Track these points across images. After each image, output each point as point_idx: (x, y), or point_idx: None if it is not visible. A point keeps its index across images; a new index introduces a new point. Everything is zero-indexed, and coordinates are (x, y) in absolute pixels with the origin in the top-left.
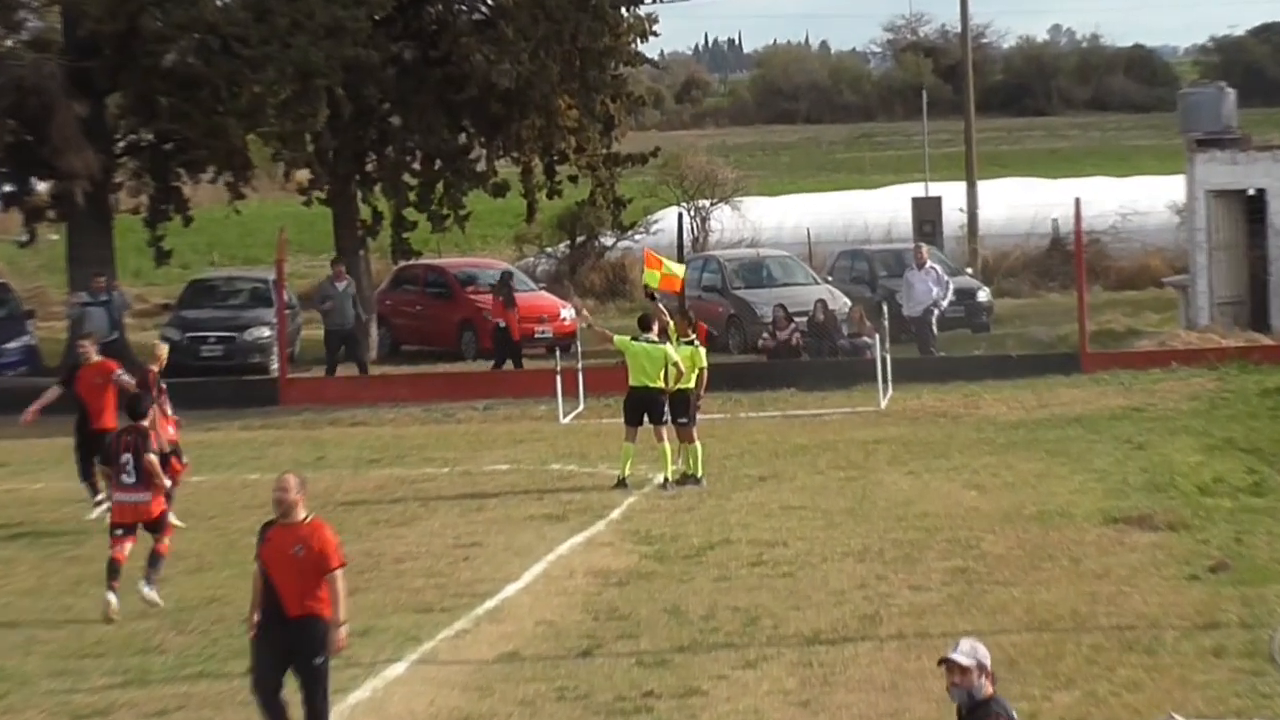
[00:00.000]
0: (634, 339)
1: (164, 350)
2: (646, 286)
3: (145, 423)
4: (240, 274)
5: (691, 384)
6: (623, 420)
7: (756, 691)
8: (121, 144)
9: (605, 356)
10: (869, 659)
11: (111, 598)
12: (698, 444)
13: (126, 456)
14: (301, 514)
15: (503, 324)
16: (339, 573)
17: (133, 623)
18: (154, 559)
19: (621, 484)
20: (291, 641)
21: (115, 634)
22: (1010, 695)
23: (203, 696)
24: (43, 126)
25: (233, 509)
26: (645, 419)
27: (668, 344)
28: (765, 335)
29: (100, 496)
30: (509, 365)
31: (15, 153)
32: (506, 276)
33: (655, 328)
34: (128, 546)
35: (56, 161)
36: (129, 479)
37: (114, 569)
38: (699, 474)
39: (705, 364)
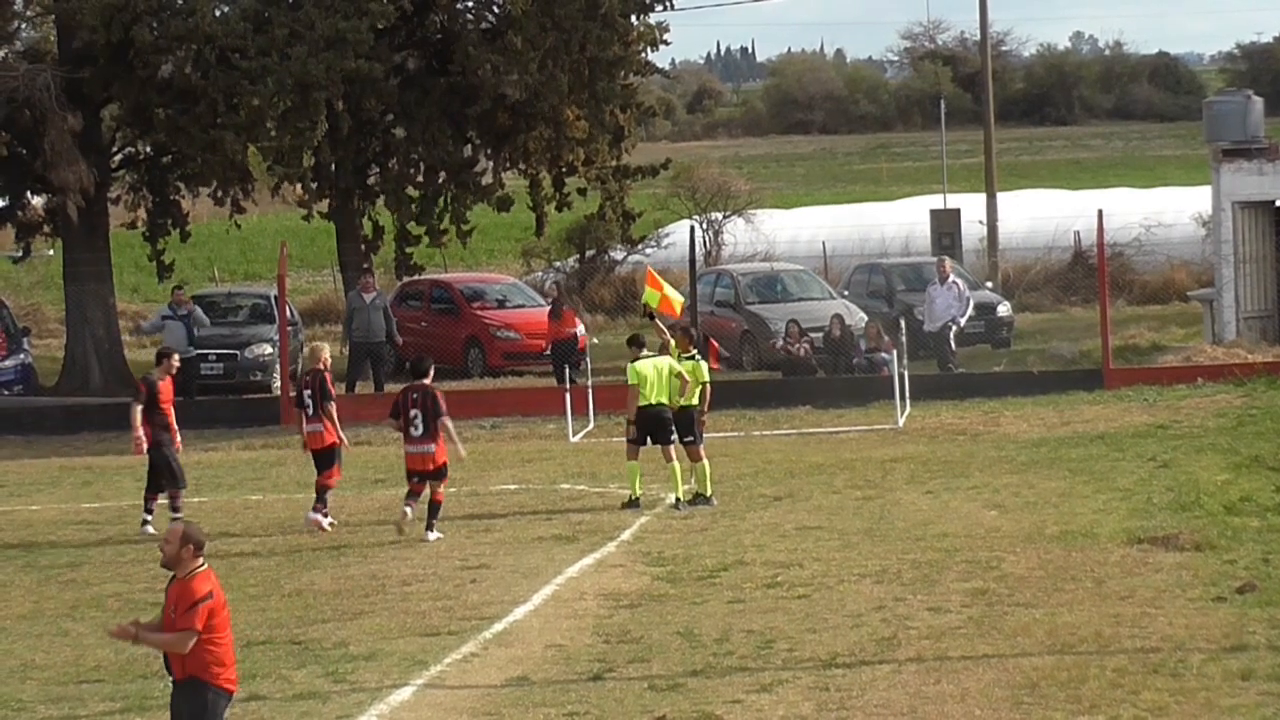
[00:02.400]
0: (635, 360)
1: (325, 351)
2: (645, 305)
3: (428, 381)
4: (241, 290)
5: (695, 400)
6: (629, 441)
7: (772, 716)
8: (118, 157)
9: (616, 374)
10: (887, 683)
11: (408, 510)
12: (705, 462)
13: (415, 412)
14: (186, 568)
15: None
16: (185, 633)
17: (131, 648)
18: (433, 507)
19: (633, 504)
20: (178, 705)
21: (114, 659)
22: None
23: None
24: (36, 139)
25: (234, 531)
26: (649, 440)
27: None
28: (781, 343)
29: (150, 519)
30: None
31: (8, 166)
32: (555, 288)
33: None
34: (424, 490)
35: (50, 175)
36: (416, 431)
37: (413, 495)
38: (709, 493)
39: (707, 379)
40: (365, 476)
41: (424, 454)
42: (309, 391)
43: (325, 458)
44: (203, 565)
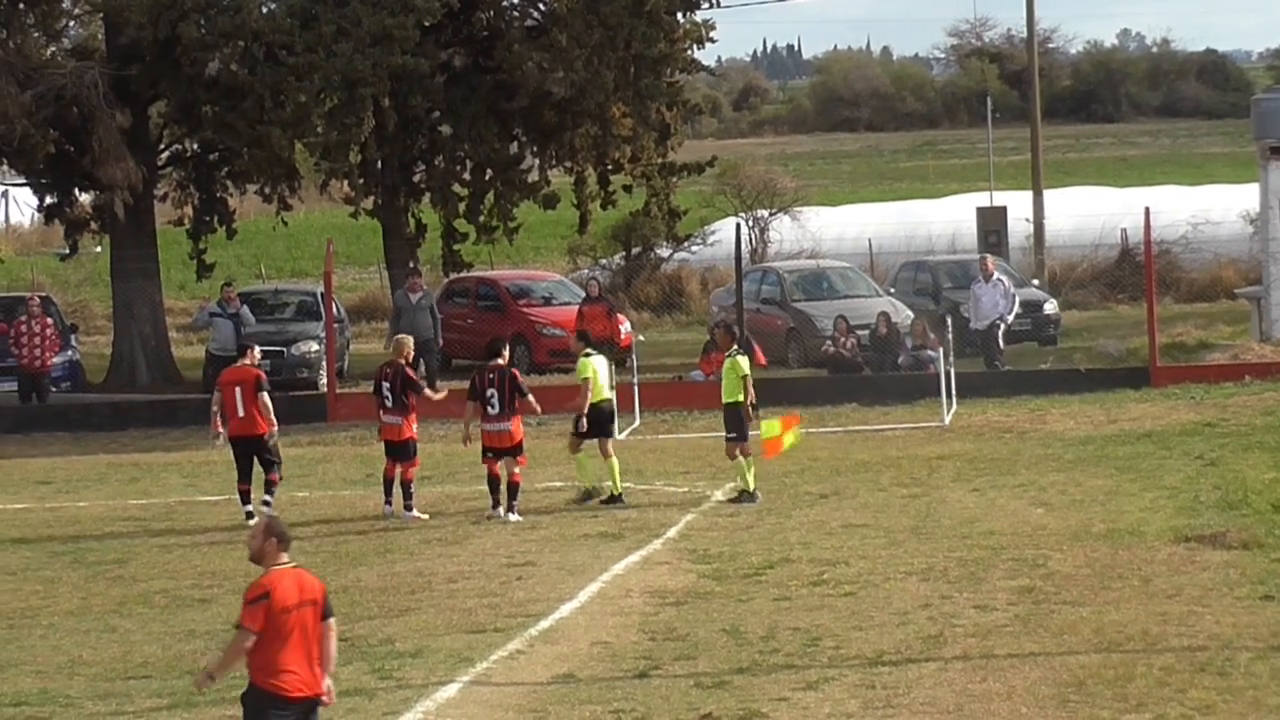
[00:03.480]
0: (584, 356)
1: (409, 344)
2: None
3: (503, 361)
4: (287, 287)
5: (740, 396)
6: (573, 434)
7: (818, 714)
8: (165, 154)
9: (662, 371)
10: (933, 681)
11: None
12: (742, 459)
13: (492, 391)
14: (270, 562)
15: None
16: (239, 633)
17: (179, 644)
18: (512, 489)
19: (589, 496)
20: None
21: (161, 655)
22: (1079, 718)
23: None
24: (84, 137)
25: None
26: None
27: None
28: (828, 343)
29: (250, 508)
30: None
31: (56, 164)
32: (594, 285)
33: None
34: (498, 466)
35: (98, 172)
36: (493, 410)
37: (493, 484)
38: (752, 488)
39: (747, 371)
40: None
41: (500, 431)
42: (388, 384)
43: (402, 450)
44: (285, 562)
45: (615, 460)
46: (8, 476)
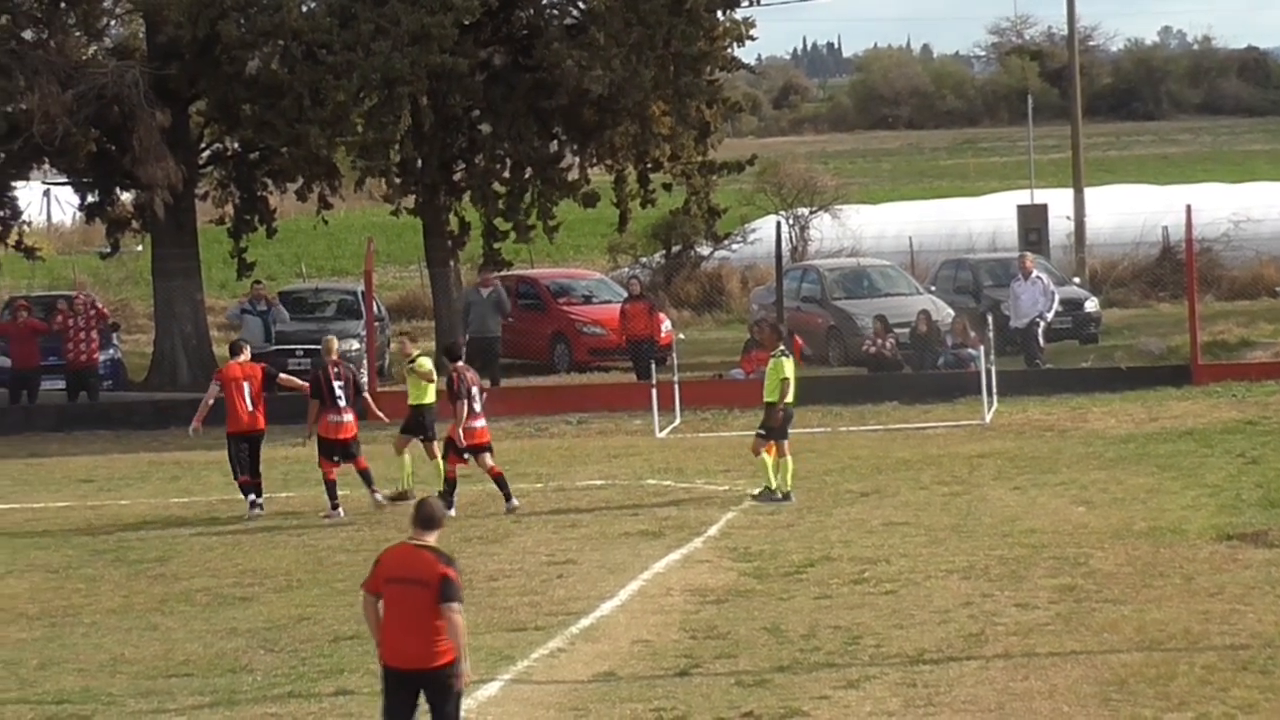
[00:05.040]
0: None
1: (336, 343)
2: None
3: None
4: (328, 285)
5: (775, 397)
6: (401, 433)
7: (859, 712)
8: (206, 153)
9: (702, 370)
10: (975, 679)
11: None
12: (765, 457)
13: (475, 389)
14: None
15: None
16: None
17: (221, 641)
18: (500, 481)
19: (404, 496)
20: None
21: (203, 653)
22: (1120, 717)
23: (292, 716)
24: (125, 136)
25: (322, 526)
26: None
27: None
28: (868, 341)
29: (256, 498)
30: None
31: (97, 163)
32: (635, 283)
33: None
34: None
35: (138, 171)
36: (479, 406)
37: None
38: (772, 486)
39: (788, 374)
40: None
41: (481, 429)
42: (341, 384)
43: (351, 448)
44: (420, 540)
45: (441, 461)
46: (50, 475)
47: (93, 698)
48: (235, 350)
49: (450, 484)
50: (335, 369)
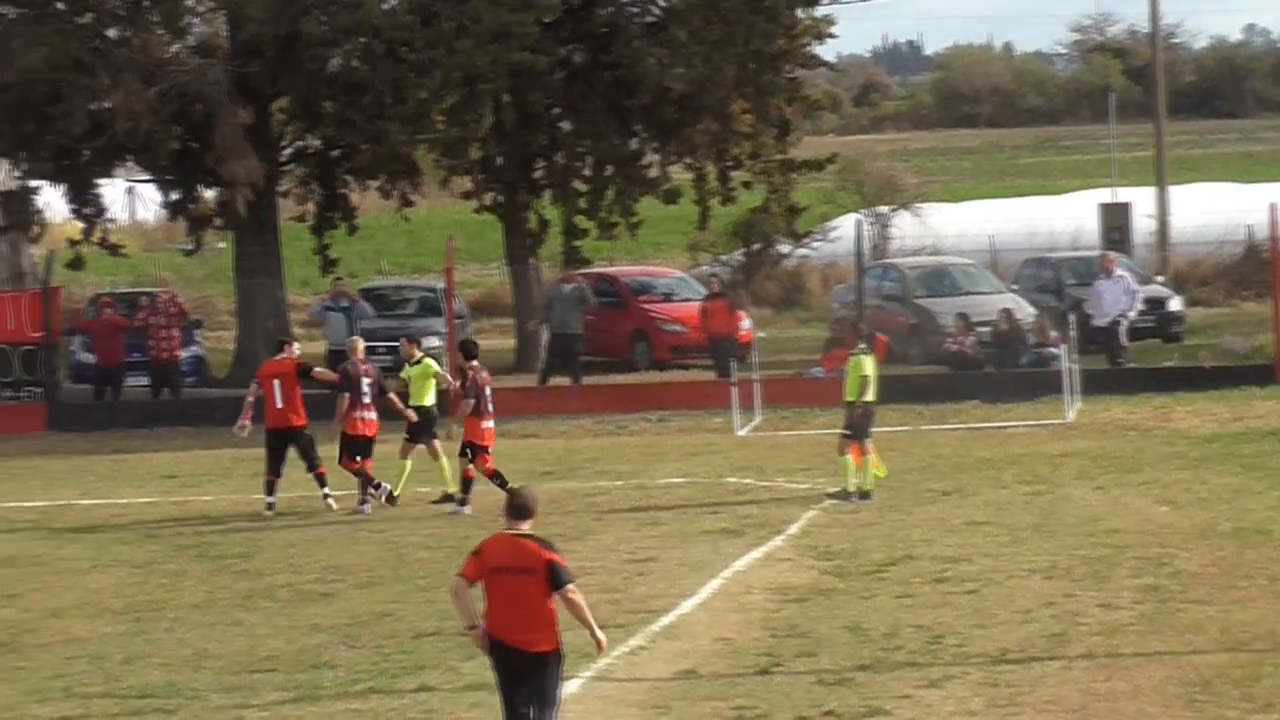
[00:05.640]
0: (417, 362)
1: (361, 343)
2: None
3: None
4: (409, 283)
5: (855, 395)
6: (406, 438)
7: (941, 711)
8: (287, 151)
9: (782, 368)
10: (1057, 679)
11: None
12: (849, 457)
13: (489, 390)
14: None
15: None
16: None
17: (303, 637)
18: (469, 484)
19: (450, 498)
20: None
21: (285, 649)
22: (1205, 718)
23: (374, 712)
24: (207, 133)
25: (403, 523)
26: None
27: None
28: (950, 340)
29: (273, 499)
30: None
31: (180, 160)
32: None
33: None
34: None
35: (221, 169)
36: (491, 407)
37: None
38: (850, 488)
39: (868, 372)
40: (532, 469)
41: (493, 429)
42: (369, 381)
43: (371, 446)
44: (517, 530)
45: (445, 461)
46: (134, 470)
47: (177, 692)
48: (280, 346)
49: (466, 483)
50: (363, 368)
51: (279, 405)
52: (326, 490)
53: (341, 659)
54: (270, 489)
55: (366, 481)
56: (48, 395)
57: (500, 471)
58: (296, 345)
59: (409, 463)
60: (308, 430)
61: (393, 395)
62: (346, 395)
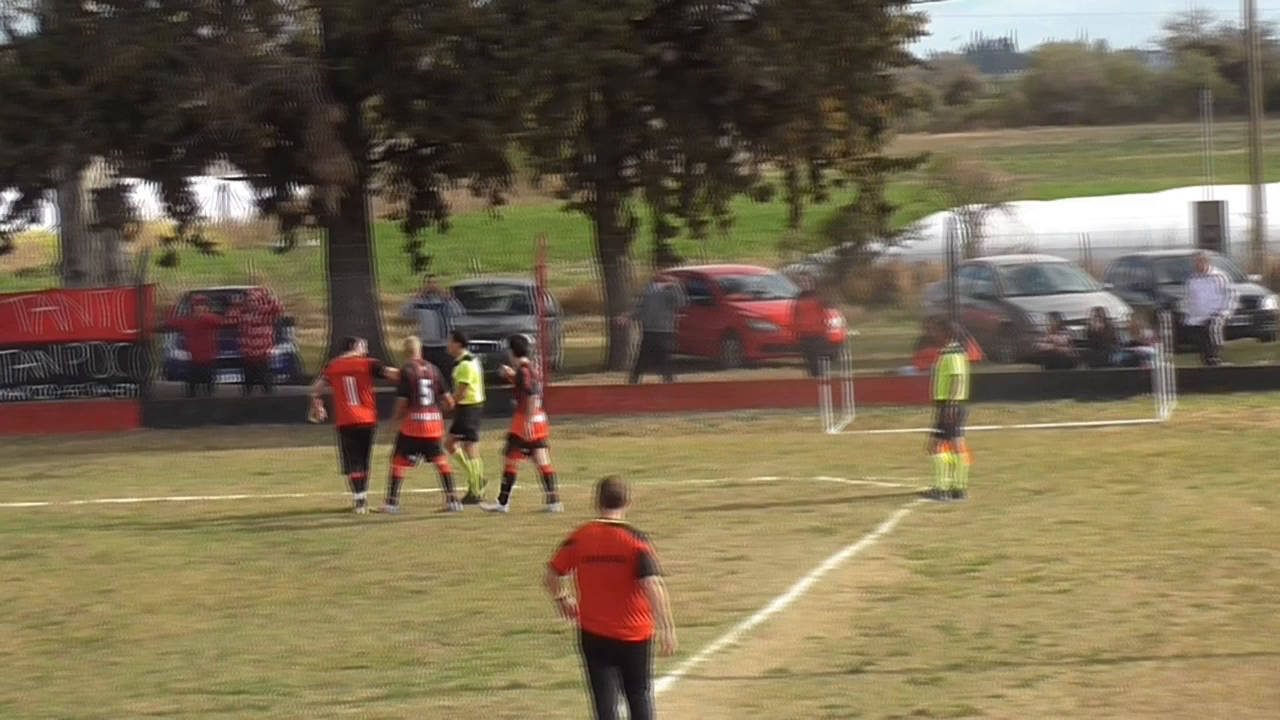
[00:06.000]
0: (467, 359)
1: (418, 344)
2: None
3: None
4: (500, 280)
5: (946, 394)
6: (460, 437)
7: (1033, 711)
8: (379, 149)
9: (874, 366)
10: (1151, 680)
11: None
12: (942, 455)
13: (540, 385)
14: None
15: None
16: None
17: (395, 634)
18: (550, 479)
19: (473, 499)
20: None
21: (377, 645)
22: None
23: (465, 710)
24: (299, 131)
25: (494, 521)
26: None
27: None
28: (1043, 339)
29: (363, 495)
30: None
31: (272, 158)
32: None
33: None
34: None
35: (312, 167)
36: (542, 403)
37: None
38: (940, 486)
39: (958, 370)
40: (623, 467)
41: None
42: (428, 383)
43: (437, 446)
44: (609, 519)
45: (478, 462)
46: (226, 467)
47: (269, 688)
48: (348, 345)
49: (509, 478)
50: (421, 368)
51: (352, 403)
52: (361, 496)
53: (433, 656)
54: (359, 486)
55: (448, 480)
56: (141, 392)
57: (553, 478)
58: (362, 344)
59: (477, 460)
60: (376, 429)
61: (449, 396)
62: (404, 398)
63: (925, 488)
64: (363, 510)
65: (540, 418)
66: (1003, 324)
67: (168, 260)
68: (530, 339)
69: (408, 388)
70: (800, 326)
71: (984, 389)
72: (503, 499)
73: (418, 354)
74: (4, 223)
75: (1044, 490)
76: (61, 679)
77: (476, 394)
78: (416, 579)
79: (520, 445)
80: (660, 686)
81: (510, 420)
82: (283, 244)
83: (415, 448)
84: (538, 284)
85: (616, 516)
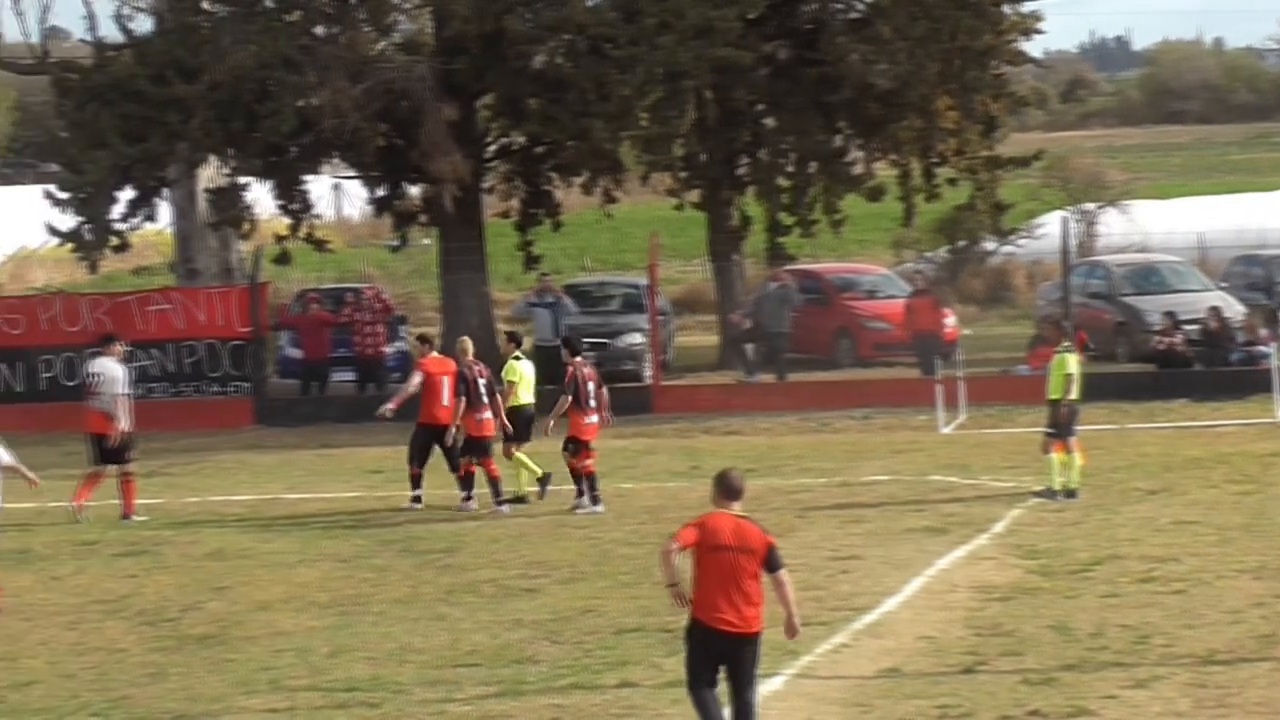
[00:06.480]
0: (516, 359)
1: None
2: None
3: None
4: (612, 279)
5: (1059, 393)
6: (513, 439)
7: (1148, 712)
8: (492, 147)
9: (987, 365)
10: (1268, 681)
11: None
12: (1059, 455)
13: (593, 385)
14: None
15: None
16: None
17: (506, 632)
18: (592, 479)
19: (520, 499)
20: None
21: (489, 643)
22: None
23: (576, 709)
24: (413, 130)
25: (606, 519)
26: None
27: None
28: (1157, 337)
29: (420, 492)
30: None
31: (386, 157)
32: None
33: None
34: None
35: (426, 165)
36: (594, 404)
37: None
38: (1054, 485)
39: (1072, 370)
40: (736, 465)
41: (596, 424)
42: (484, 382)
43: (490, 446)
44: (731, 510)
45: (525, 458)
46: (340, 465)
47: (381, 686)
48: (426, 341)
49: (589, 480)
50: (476, 368)
51: (445, 403)
52: (469, 493)
53: (544, 654)
54: (414, 482)
55: (496, 484)
56: (255, 390)
57: (595, 478)
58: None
59: (524, 458)
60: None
61: (498, 396)
62: (464, 399)
63: (1039, 487)
64: (418, 507)
65: (592, 419)
66: (1117, 323)
67: (282, 258)
68: (641, 337)
69: (467, 387)
70: (914, 325)
71: (1099, 388)
72: (594, 500)
73: (470, 354)
74: (120, 221)
75: (1159, 490)
76: (176, 675)
77: (522, 395)
78: (529, 577)
79: (584, 445)
80: (772, 685)
81: (572, 424)
82: (396, 242)
83: (474, 447)
84: (650, 283)
85: (737, 508)
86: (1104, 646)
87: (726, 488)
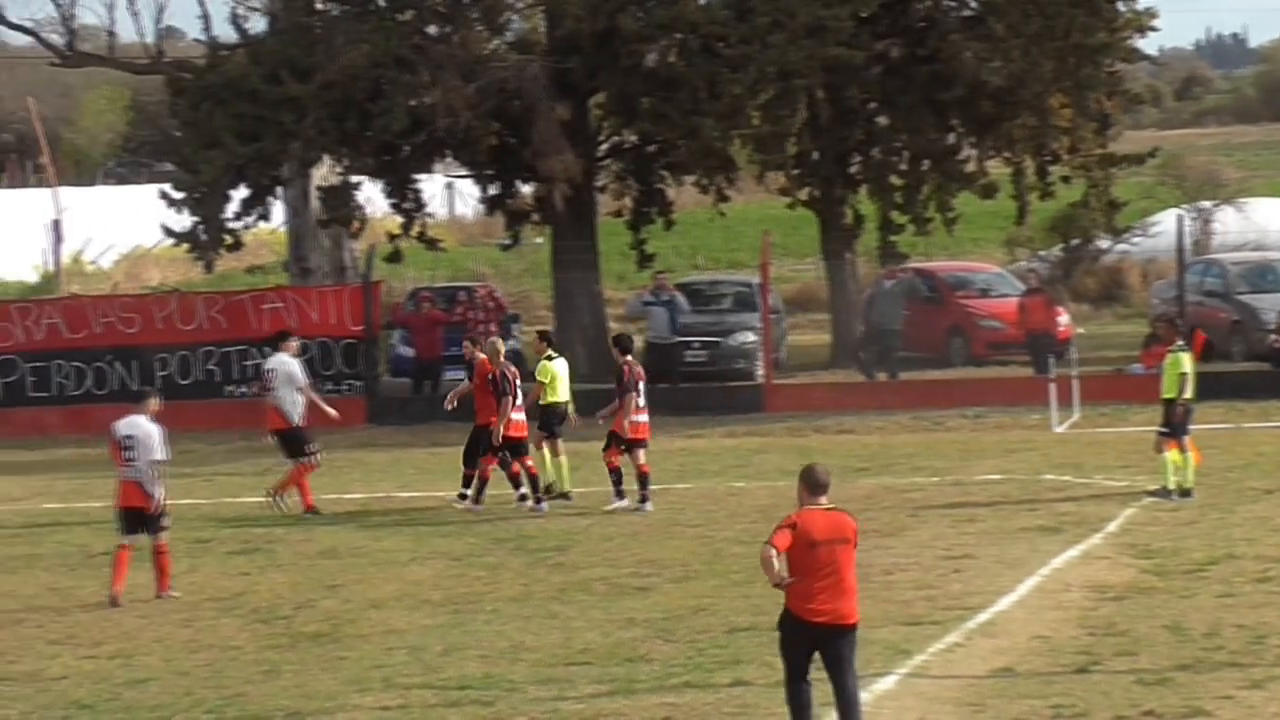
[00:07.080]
0: (549, 359)
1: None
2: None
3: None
4: (724, 277)
5: (1174, 392)
6: (546, 436)
7: (1264, 713)
8: (604, 146)
9: (1101, 364)
10: None
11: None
12: (1169, 454)
13: (642, 384)
14: (801, 504)
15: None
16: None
17: (619, 631)
18: (644, 478)
19: (565, 495)
20: None
21: (601, 642)
22: None
23: (689, 707)
24: (525, 129)
25: (718, 518)
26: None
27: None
28: (1274, 336)
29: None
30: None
31: (499, 155)
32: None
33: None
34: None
35: (538, 164)
36: (644, 402)
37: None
38: (1168, 485)
39: (1186, 369)
40: (848, 465)
41: (645, 423)
42: (520, 382)
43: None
44: (820, 504)
45: (564, 460)
46: (452, 464)
47: (494, 684)
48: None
49: (615, 474)
50: (511, 368)
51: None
52: (524, 490)
53: (657, 653)
54: (466, 482)
55: (518, 483)
56: (368, 388)
57: (648, 478)
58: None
59: (563, 458)
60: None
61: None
62: (507, 397)
63: (1153, 487)
64: (461, 505)
65: (641, 418)
66: (1233, 322)
67: (394, 257)
68: (753, 335)
69: (508, 387)
70: (1028, 324)
71: (1214, 387)
72: (618, 494)
73: (503, 354)
74: (234, 220)
75: (1274, 489)
76: (289, 673)
77: (555, 393)
78: (641, 575)
79: (619, 442)
80: (884, 685)
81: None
82: (508, 241)
83: (519, 448)
84: (762, 281)
85: (824, 502)
86: (1219, 647)
87: (813, 483)
